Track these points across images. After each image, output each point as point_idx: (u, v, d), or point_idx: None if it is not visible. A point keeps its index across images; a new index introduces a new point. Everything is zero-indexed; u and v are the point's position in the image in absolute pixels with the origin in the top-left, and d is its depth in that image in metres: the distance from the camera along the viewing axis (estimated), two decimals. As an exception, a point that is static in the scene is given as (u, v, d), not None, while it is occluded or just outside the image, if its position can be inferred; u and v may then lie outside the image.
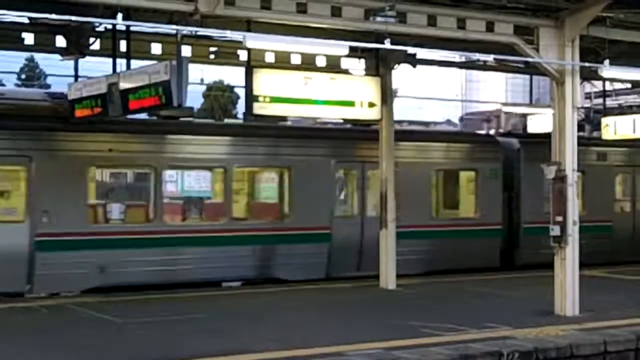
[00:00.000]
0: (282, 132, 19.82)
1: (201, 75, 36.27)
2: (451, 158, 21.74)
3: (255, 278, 18.95)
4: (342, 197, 20.96)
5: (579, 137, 23.38)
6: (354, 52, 17.51)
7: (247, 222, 19.22)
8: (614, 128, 20.27)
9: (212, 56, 18.33)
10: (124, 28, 14.36)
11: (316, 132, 20.58)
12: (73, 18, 12.02)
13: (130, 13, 13.73)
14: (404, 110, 24.95)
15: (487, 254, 21.50)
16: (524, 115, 24.80)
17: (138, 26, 13.85)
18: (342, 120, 20.67)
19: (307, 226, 19.33)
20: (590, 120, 24.99)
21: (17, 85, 55.70)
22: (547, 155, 22.40)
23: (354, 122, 20.21)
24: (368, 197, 20.30)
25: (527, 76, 26.09)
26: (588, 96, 30.95)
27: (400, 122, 21.98)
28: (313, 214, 19.45)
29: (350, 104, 15.62)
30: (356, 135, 20.41)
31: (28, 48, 17.42)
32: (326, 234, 19.55)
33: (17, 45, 17.01)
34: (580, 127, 23.73)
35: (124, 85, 13.67)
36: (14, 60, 36.87)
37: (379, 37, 14.31)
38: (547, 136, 23.01)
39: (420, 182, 20.74)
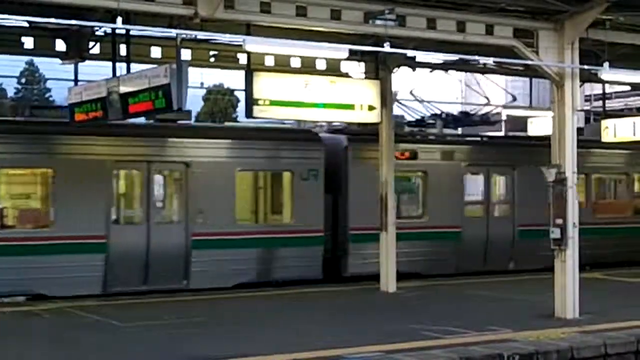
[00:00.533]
0: (47, 129, 17.18)
1: (201, 79, 36.34)
2: (259, 157, 19.30)
3: (9, 294, 16.74)
4: (122, 201, 18.65)
5: (420, 134, 22.07)
6: (353, 55, 17.52)
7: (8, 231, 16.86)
8: (614, 130, 20.24)
9: (212, 60, 18.34)
10: (123, 32, 14.35)
11: (89, 128, 17.48)
12: (73, 22, 12.05)
13: (130, 17, 13.74)
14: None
15: (307, 264, 19.33)
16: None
17: (138, 30, 13.84)
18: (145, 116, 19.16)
19: (75, 234, 16.97)
20: (445, 115, 22.89)
21: (16, 89, 55.78)
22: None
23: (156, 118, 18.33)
24: (156, 201, 18.42)
25: (527, 78, 26.07)
26: (588, 98, 31.01)
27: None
28: (84, 220, 17.11)
29: (350, 107, 15.61)
30: (142, 132, 18.13)
31: (28, 52, 17.42)
32: (101, 243, 17.24)
33: (17, 49, 17.02)
34: (432, 124, 22.49)
35: (123, 89, 13.67)
36: (14, 64, 36.78)
37: (378, 40, 14.32)
38: (375, 133, 20.03)
39: (221, 184, 18.52)
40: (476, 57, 15.68)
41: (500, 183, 22.92)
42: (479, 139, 23.24)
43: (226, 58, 18.28)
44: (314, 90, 15.02)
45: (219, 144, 18.84)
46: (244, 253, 18.63)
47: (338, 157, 20.31)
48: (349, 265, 20.06)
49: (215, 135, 19.08)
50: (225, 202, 18.61)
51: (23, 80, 56.05)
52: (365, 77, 18.46)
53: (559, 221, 14.66)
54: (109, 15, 13.03)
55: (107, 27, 14.65)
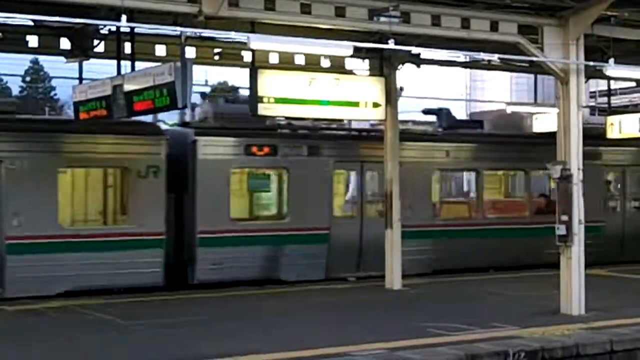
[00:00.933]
0: None
1: (205, 77, 36.35)
2: (88, 153, 17.34)
3: None
4: None
5: (283, 127, 19.69)
6: (358, 53, 17.49)
7: None
8: (619, 127, 20.21)
9: (216, 57, 18.33)
10: (128, 30, 14.37)
11: None
12: (77, 20, 12.04)
13: (134, 15, 13.74)
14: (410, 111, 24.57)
15: (145, 270, 17.41)
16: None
17: (142, 28, 13.84)
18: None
19: None
20: None
21: (21, 87, 55.90)
22: (237, 148, 18.46)
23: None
24: None
25: (532, 75, 26.04)
26: (593, 95, 31.00)
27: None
28: None
29: (355, 104, 15.59)
30: None
31: (32, 51, 17.42)
32: None
33: (22, 47, 17.03)
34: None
35: (128, 87, 13.68)
36: (19, 62, 36.88)
37: (383, 37, 14.32)
38: (234, 127, 18.46)
39: (41, 183, 16.72)
40: (481, 54, 15.65)
41: (376, 180, 20.67)
42: (352, 132, 21.17)
43: (230, 56, 18.26)
44: (318, 87, 15.00)
45: (38, 137, 16.91)
46: (71, 258, 16.79)
47: (184, 152, 18.45)
48: (196, 271, 18.23)
49: (36, 128, 17.12)
50: (46, 202, 16.81)
51: (28, 79, 56.20)
52: (370, 74, 18.44)
53: (565, 218, 14.65)
54: (113, 13, 13.02)
55: (111, 25, 14.67)
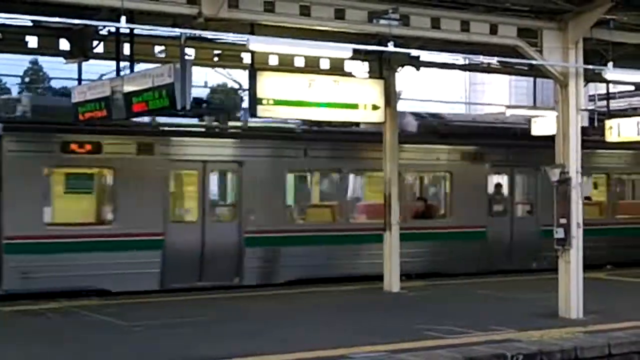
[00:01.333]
0: None
1: (205, 78, 36.35)
2: None
3: None
4: None
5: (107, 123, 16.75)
6: (357, 55, 17.53)
7: None
8: (618, 130, 20.20)
9: (216, 59, 18.33)
10: (127, 31, 14.38)
11: None
12: (76, 21, 12.05)
13: (134, 16, 13.76)
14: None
15: None
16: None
17: (142, 29, 13.85)
18: None
19: None
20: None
21: (20, 88, 55.84)
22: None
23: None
24: None
25: (531, 79, 26.06)
26: (592, 98, 31.01)
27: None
28: None
29: (354, 106, 15.60)
30: None
31: (32, 51, 17.43)
32: None
33: (21, 48, 17.04)
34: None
35: (127, 88, 13.68)
36: (18, 63, 36.87)
37: (382, 39, 14.33)
38: (49, 122, 16.66)
39: None
40: (480, 57, 15.68)
41: (222, 181, 19.55)
42: (193, 129, 18.99)
43: (230, 57, 18.27)
44: (317, 89, 15.01)
45: None
46: None
47: None
48: (3, 281, 16.50)
49: None
50: None
51: (27, 80, 56.12)
52: (369, 77, 18.45)
53: (563, 221, 14.66)
54: (113, 14, 13.02)
55: (111, 26, 14.67)
